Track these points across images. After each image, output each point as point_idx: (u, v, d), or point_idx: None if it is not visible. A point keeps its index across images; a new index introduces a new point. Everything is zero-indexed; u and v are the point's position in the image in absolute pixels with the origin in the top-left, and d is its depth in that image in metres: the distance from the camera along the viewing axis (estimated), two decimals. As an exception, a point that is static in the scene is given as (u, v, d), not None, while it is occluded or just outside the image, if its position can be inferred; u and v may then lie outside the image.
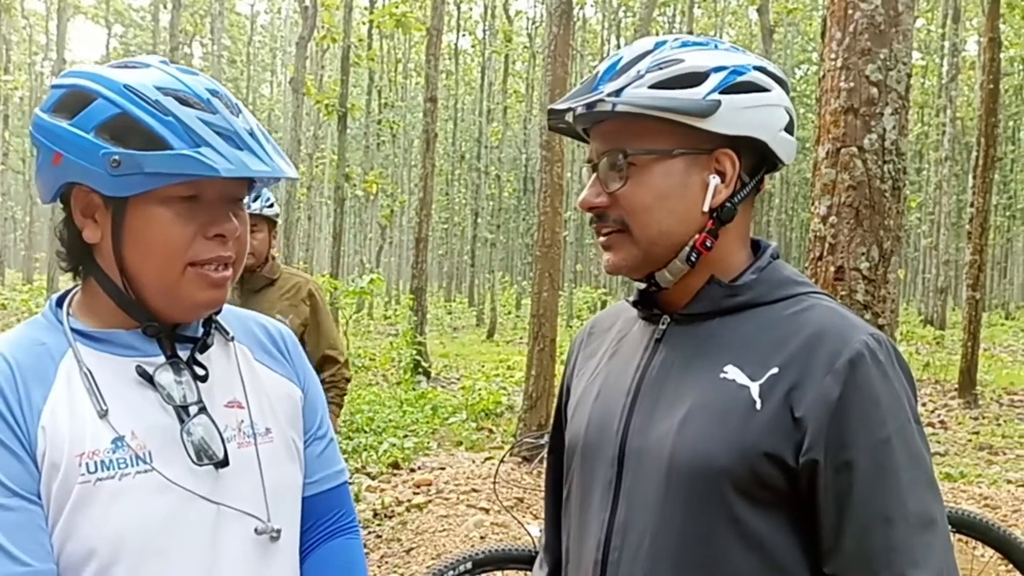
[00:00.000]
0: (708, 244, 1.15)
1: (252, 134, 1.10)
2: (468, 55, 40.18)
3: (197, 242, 1.10)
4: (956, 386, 11.52)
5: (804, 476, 1.04)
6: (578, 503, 1.25)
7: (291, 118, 18.50)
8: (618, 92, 1.12)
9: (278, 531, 1.17)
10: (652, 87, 1.11)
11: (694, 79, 1.12)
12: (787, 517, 1.07)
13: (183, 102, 1.07)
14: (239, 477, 1.15)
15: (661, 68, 1.12)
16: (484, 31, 33.12)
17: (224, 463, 1.12)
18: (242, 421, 1.18)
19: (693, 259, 1.15)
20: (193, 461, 1.10)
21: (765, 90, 1.15)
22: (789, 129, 1.18)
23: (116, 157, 1.04)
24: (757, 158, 1.17)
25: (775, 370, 1.07)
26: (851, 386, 1.03)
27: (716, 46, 1.17)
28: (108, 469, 1.06)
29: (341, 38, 17.38)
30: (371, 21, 20.79)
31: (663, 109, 1.10)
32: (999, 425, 9.76)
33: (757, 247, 1.22)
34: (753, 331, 1.13)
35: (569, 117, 1.18)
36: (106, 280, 1.13)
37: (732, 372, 1.10)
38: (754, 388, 1.07)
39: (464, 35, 35.79)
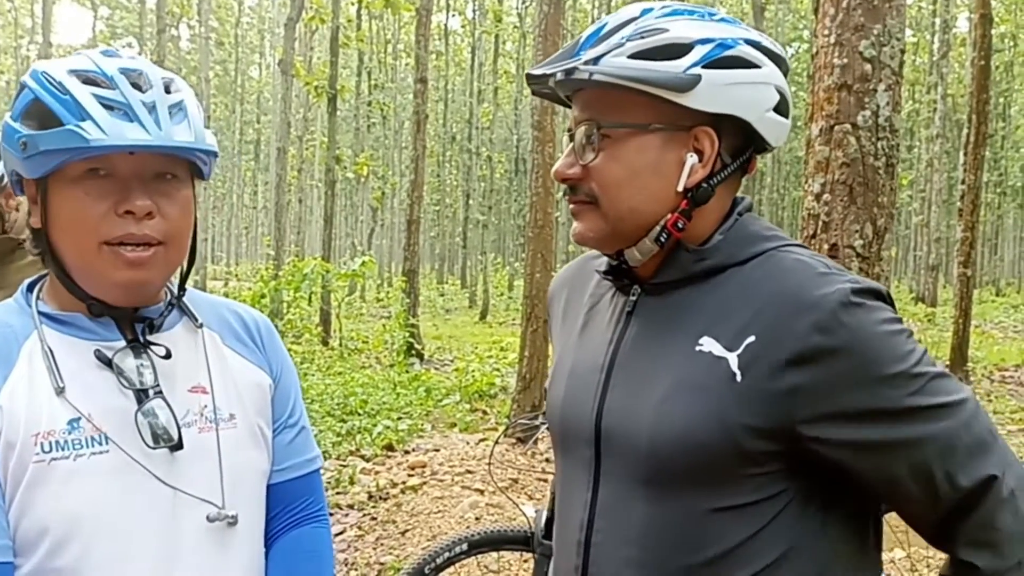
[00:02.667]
0: (680, 225, 1.10)
1: (153, 108, 1.09)
2: (458, 35, 39.93)
3: (108, 219, 1.09)
4: (948, 363, 11.57)
5: (801, 443, 1.02)
6: (562, 482, 1.23)
7: (280, 100, 18.38)
8: (596, 60, 1.07)
9: (234, 517, 1.17)
10: (631, 57, 1.06)
11: (677, 51, 1.06)
12: (773, 487, 1.04)
13: (86, 81, 1.09)
14: (195, 461, 1.16)
15: (643, 37, 1.07)
16: (474, 11, 32.89)
17: (179, 446, 1.13)
18: (205, 406, 1.19)
19: (663, 239, 1.11)
20: (148, 444, 1.11)
21: (754, 66, 1.09)
22: (781, 110, 1.12)
23: (23, 140, 1.08)
24: (742, 138, 1.11)
25: (752, 338, 1.03)
26: (841, 338, 1.00)
27: (707, 16, 1.12)
28: (63, 449, 1.07)
29: (330, 19, 17.24)
30: (359, 1, 20.63)
31: (639, 81, 1.05)
32: (990, 401, 9.82)
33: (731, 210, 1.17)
34: (725, 297, 1.08)
35: (552, 82, 1.13)
36: (52, 263, 1.15)
37: (708, 344, 1.06)
38: (732, 359, 1.03)
39: (453, 15, 35.58)
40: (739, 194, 1.18)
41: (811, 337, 1.00)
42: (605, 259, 1.23)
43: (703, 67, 1.06)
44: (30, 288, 1.20)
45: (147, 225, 1.10)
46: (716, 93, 1.06)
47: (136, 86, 1.10)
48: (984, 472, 1.01)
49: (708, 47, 1.07)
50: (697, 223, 1.12)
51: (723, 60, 1.07)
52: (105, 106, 1.07)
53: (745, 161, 1.15)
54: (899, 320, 1.05)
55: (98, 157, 1.08)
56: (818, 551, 1.06)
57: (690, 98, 1.05)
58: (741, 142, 1.12)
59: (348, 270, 13.45)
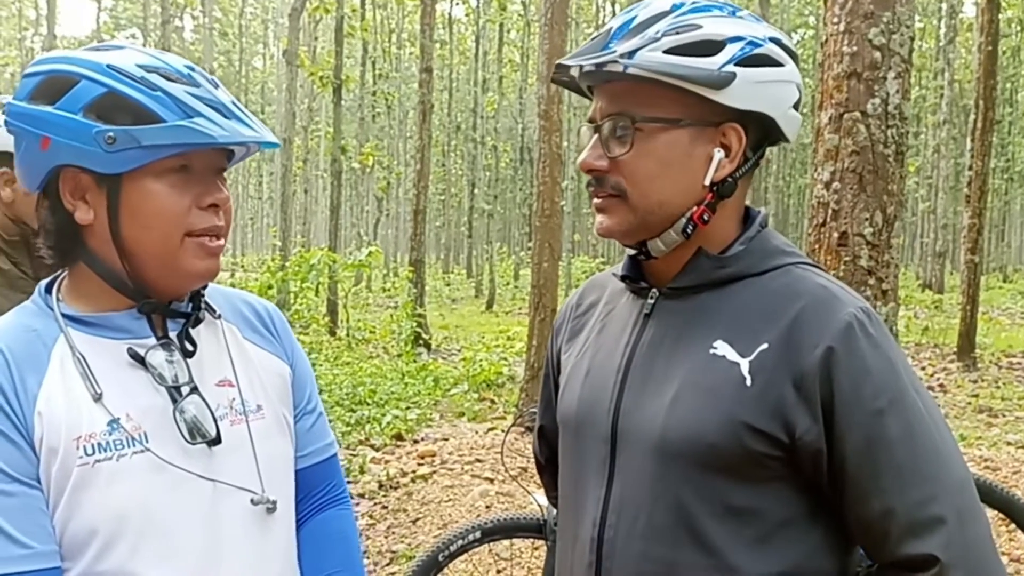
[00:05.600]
0: (705, 218, 1.12)
1: (235, 105, 1.13)
2: (462, 24, 39.81)
3: (192, 212, 1.12)
4: (955, 350, 11.56)
5: (801, 452, 1.04)
6: (572, 480, 1.24)
7: (285, 91, 18.37)
8: (631, 54, 1.07)
9: (274, 502, 1.19)
10: (667, 52, 1.07)
11: (711, 47, 1.08)
12: (783, 491, 1.07)
13: (167, 78, 1.10)
14: (232, 454, 1.17)
15: (679, 33, 1.08)
16: (478, -1, 32.78)
17: (216, 441, 1.15)
18: (233, 399, 1.20)
19: (689, 231, 1.13)
20: (186, 440, 1.12)
21: (779, 64, 1.11)
22: (797, 106, 1.15)
23: (111, 134, 1.06)
24: (762, 133, 1.14)
25: (765, 346, 1.06)
26: (840, 359, 1.02)
27: (733, 13, 1.13)
28: (105, 451, 1.08)
29: (334, 8, 17.20)
30: (364, -9, 20.56)
31: (677, 77, 1.06)
32: (998, 388, 9.80)
33: (747, 215, 1.20)
34: (742, 305, 1.11)
35: (575, 72, 1.13)
36: (97, 262, 1.14)
37: (722, 348, 1.08)
38: (744, 364, 1.06)
39: (458, 3, 35.42)
40: (756, 207, 1.21)
41: (813, 353, 1.03)
42: (605, 278, 1.30)
43: (736, 65, 1.08)
44: (47, 289, 1.18)
45: (220, 216, 1.15)
46: (749, 91, 1.08)
47: (208, 83, 1.13)
48: (924, 551, 1.00)
49: (739, 45, 1.09)
50: (718, 223, 1.15)
51: (753, 58, 1.09)
52: (206, 104, 1.09)
53: (761, 155, 1.17)
54: (901, 356, 1.08)
55: (186, 153, 1.09)
56: (824, 569, 1.09)
57: (724, 95, 1.07)
58: (761, 137, 1.15)
59: (354, 260, 13.47)
